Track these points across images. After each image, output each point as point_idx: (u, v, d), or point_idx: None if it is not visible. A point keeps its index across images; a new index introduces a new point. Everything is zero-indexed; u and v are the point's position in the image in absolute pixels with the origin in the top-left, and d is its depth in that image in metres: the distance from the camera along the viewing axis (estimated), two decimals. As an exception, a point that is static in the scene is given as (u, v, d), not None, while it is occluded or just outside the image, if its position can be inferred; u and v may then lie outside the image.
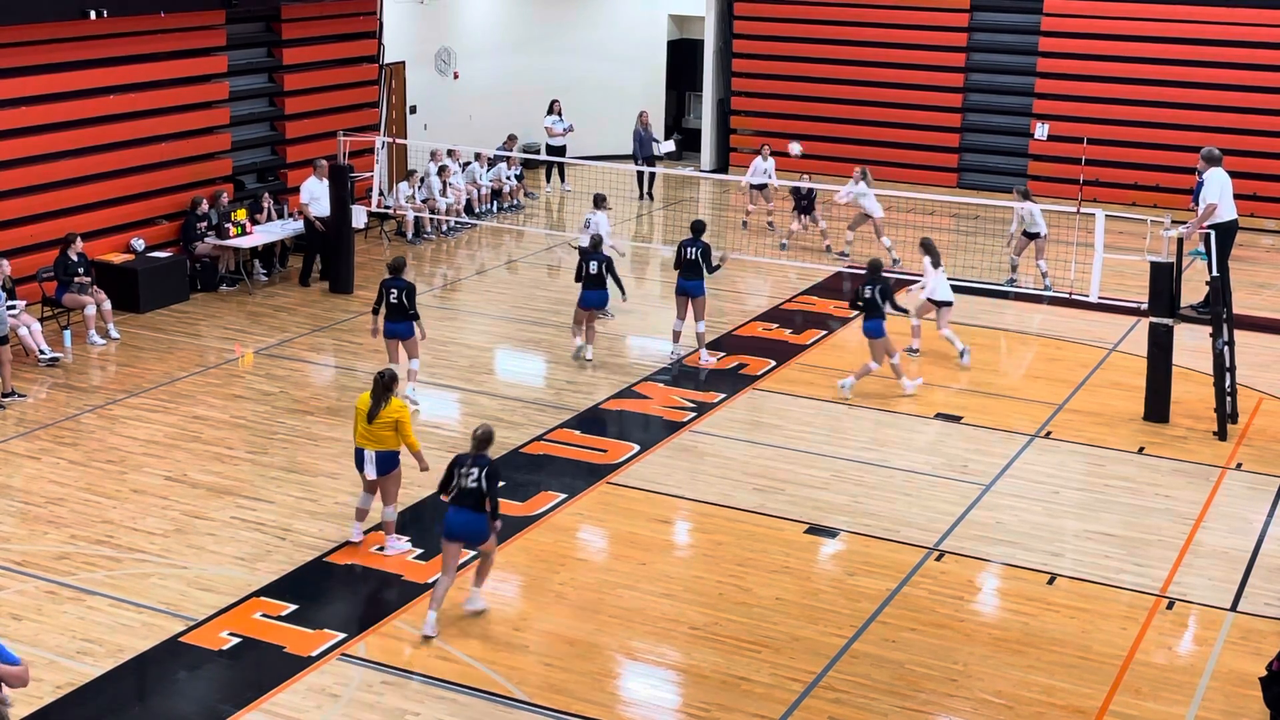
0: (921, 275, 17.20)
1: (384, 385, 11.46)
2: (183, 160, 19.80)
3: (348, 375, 16.25)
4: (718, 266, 16.69)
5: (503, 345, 17.66)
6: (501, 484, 11.17)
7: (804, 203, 21.89)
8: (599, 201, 18.59)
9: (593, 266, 16.29)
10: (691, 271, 16.55)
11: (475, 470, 10.42)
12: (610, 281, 16.41)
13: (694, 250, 16.51)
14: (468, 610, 10.83)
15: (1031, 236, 19.56)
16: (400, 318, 14.86)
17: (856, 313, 16.03)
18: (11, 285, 16.27)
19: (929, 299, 16.74)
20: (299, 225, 20.06)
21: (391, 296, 14.84)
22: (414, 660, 10.27)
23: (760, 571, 11.68)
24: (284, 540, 12.03)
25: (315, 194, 19.62)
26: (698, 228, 16.70)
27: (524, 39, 27.85)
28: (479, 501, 10.41)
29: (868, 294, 15.42)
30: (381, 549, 11.89)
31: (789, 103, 27.32)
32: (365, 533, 12.06)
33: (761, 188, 23.35)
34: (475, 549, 10.85)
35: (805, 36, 27.23)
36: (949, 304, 16.68)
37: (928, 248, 16.84)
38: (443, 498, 10.69)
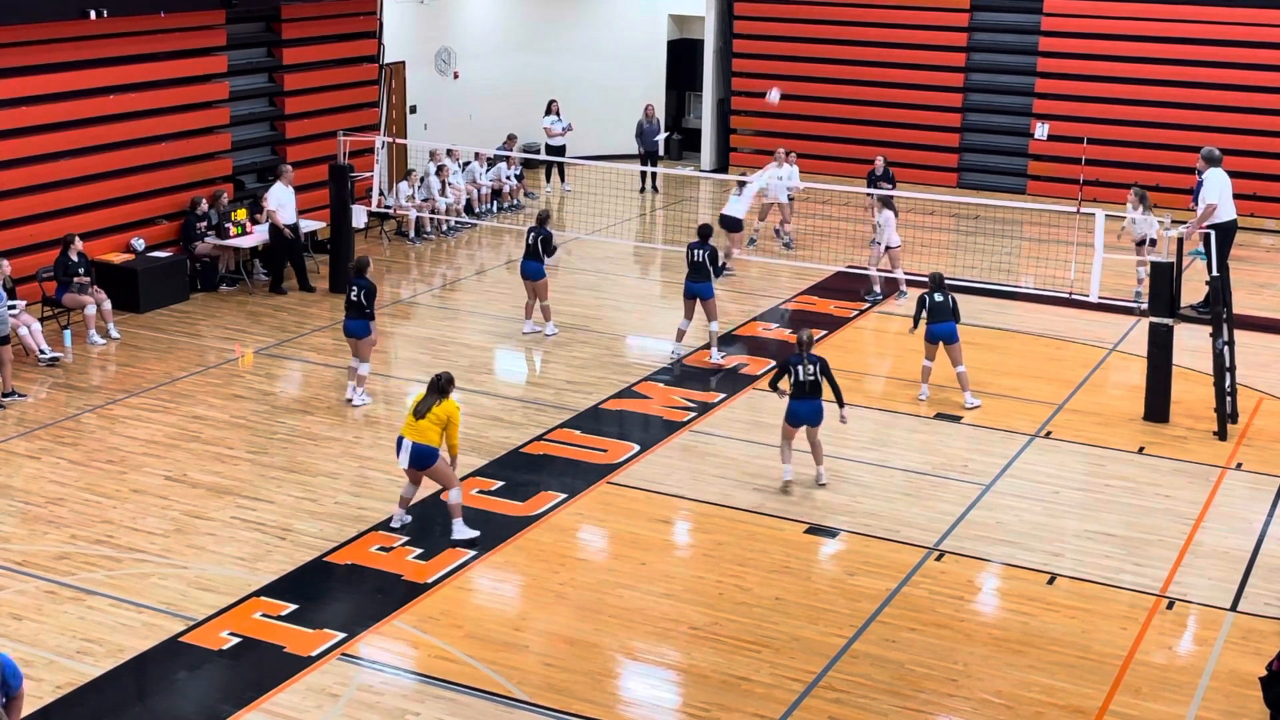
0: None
1: (438, 387, 11.85)
2: (183, 160, 19.80)
3: (347, 375, 16.24)
4: (723, 268, 16.72)
5: (503, 345, 17.66)
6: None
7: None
8: (544, 219, 17.70)
9: (530, 237, 17.31)
10: (699, 274, 16.55)
11: (811, 366, 12.84)
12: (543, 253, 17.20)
13: (701, 253, 16.50)
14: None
15: (1140, 243, 19.36)
16: (355, 315, 14.97)
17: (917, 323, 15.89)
18: (11, 285, 16.27)
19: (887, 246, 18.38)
20: (312, 224, 20.01)
21: (352, 294, 14.97)
22: (414, 660, 10.27)
23: (760, 571, 11.69)
24: (284, 540, 12.04)
25: (282, 200, 19.37)
26: (704, 231, 16.69)
27: (524, 39, 27.85)
28: (818, 390, 12.82)
29: (939, 299, 15.36)
30: (383, 548, 11.91)
31: (789, 102, 27.26)
32: (404, 523, 12.26)
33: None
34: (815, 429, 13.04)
35: (805, 36, 27.24)
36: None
37: (886, 203, 18.59)
38: (779, 387, 13.07)
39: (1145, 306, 15.89)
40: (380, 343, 17.38)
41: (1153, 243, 19.01)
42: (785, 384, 13.12)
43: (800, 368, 12.92)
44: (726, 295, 19.84)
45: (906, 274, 19.26)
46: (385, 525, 12.31)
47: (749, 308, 19.12)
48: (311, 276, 19.97)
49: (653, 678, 10.18)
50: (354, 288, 14.99)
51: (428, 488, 12.46)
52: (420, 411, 11.78)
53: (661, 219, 24.76)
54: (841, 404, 13.27)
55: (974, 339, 17.42)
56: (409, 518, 12.32)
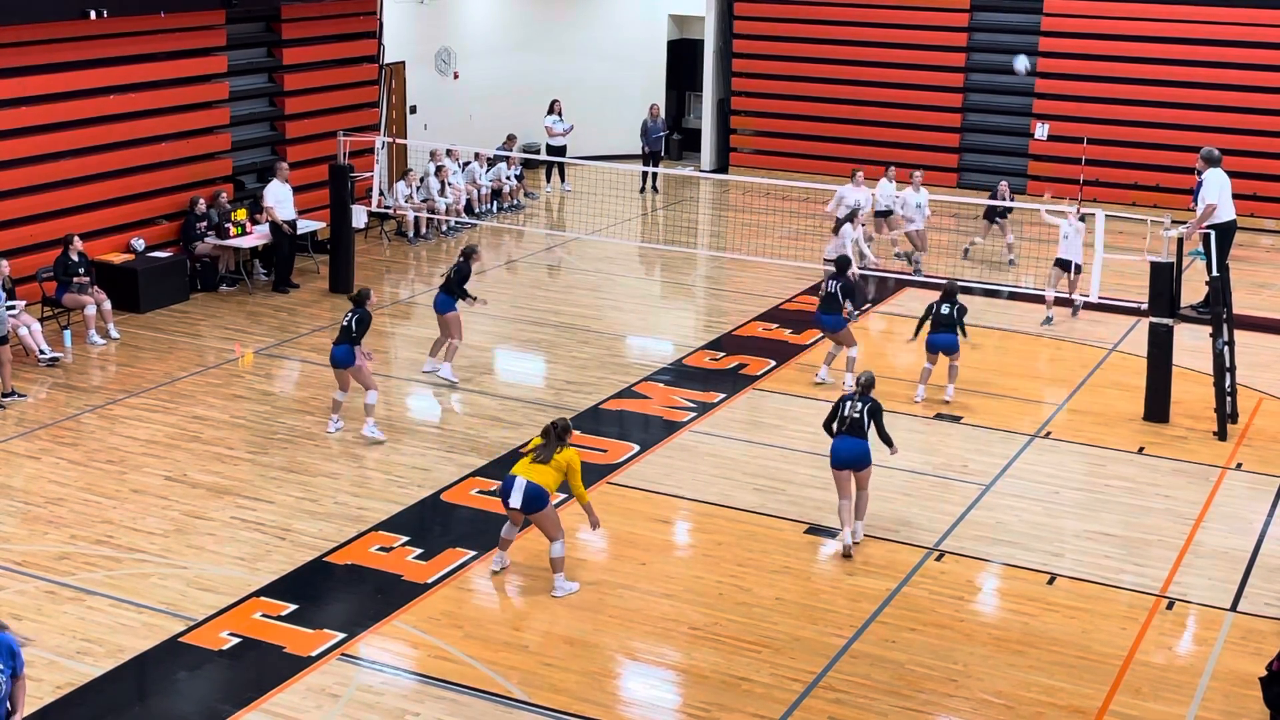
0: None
1: (556, 434, 11.14)
2: (183, 160, 19.80)
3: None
4: (852, 314, 16.22)
5: (503, 345, 17.66)
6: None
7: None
8: (467, 254, 16.50)
9: (450, 271, 16.01)
10: (829, 305, 15.72)
11: (860, 405, 12.11)
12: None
13: (835, 284, 15.73)
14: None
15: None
16: (343, 340, 14.16)
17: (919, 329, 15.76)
18: (11, 285, 16.27)
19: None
20: (305, 224, 20.04)
21: (345, 319, 14.25)
22: (414, 660, 10.27)
23: (760, 571, 11.68)
24: (284, 540, 12.04)
25: (279, 197, 19.47)
26: (842, 264, 16.09)
27: (524, 39, 27.85)
28: (861, 430, 12.04)
29: (945, 311, 15.42)
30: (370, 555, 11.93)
31: (789, 103, 27.33)
32: (504, 566, 11.60)
33: (887, 214, 21.26)
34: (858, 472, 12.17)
35: (805, 36, 27.23)
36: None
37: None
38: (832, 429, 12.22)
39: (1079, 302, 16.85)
40: (380, 343, 17.39)
41: (1077, 268, 18.45)
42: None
43: (848, 403, 12.11)
44: (726, 295, 19.86)
45: (905, 273, 19.20)
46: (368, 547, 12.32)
47: (749, 308, 19.11)
48: (311, 276, 19.98)
49: (653, 678, 10.18)
50: (350, 315, 14.23)
51: (429, 488, 12.46)
52: (539, 459, 11.08)
53: (662, 219, 24.76)
54: (891, 449, 12.36)
55: (974, 339, 17.41)
56: (509, 560, 11.64)
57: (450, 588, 11.32)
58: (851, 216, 18.68)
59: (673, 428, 14.79)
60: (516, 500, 11.01)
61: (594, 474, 13.53)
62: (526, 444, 11.52)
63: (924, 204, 20.54)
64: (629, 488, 13.30)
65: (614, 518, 12.68)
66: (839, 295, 15.67)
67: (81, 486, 13.03)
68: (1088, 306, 16.44)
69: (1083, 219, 18.36)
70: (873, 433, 12.12)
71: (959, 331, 15.47)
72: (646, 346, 17.67)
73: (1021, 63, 20.39)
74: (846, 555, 11.98)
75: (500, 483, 11.44)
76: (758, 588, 11.41)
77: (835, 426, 12.12)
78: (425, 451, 14.02)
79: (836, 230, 18.51)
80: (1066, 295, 18.48)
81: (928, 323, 15.61)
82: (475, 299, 16.00)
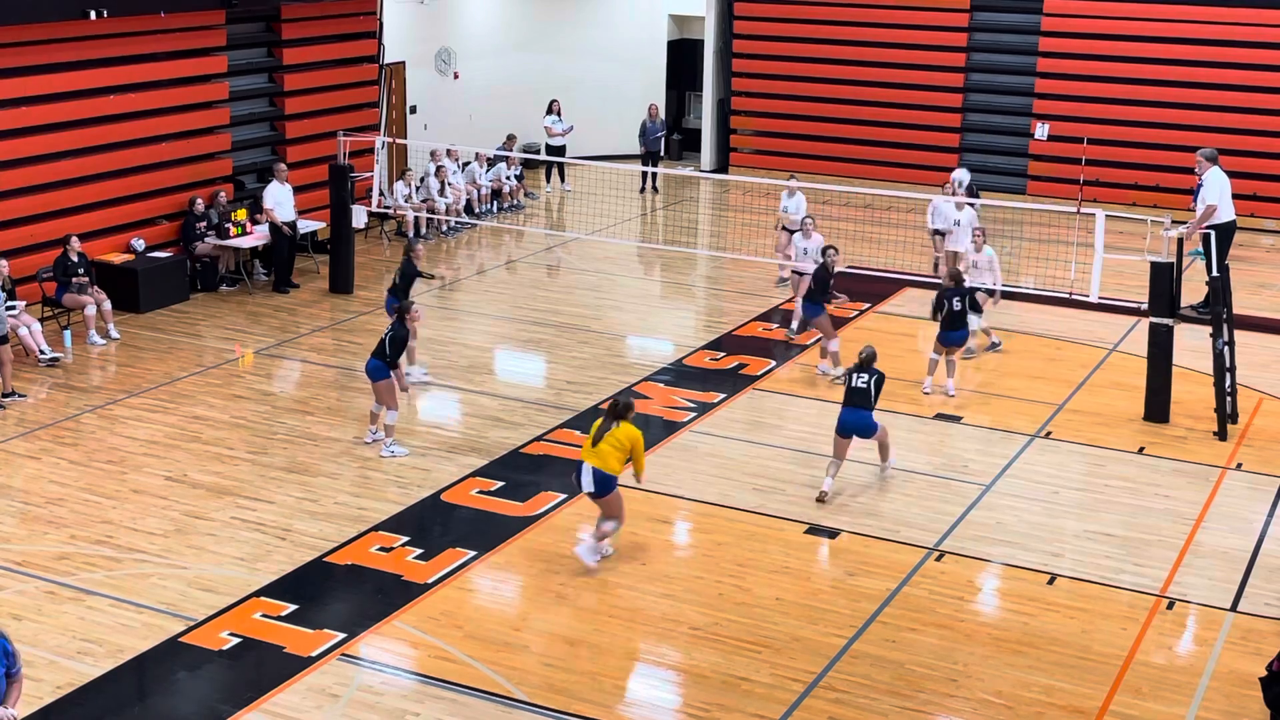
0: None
1: (616, 412, 11.58)
2: (183, 160, 19.80)
3: (348, 375, 16.25)
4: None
5: (503, 345, 17.66)
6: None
7: None
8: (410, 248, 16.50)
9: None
10: (955, 322, 15.69)
11: (866, 376, 13.00)
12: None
13: (960, 301, 15.72)
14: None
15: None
16: (377, 355, 13.79)
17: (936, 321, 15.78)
18: (11, 285, 16.28)
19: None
20: (306, 224, 20.07)
21: (385, 333, 13.92)
22: (414, 660, 10.27)
23: (760, 571, 11.68)
24: (284, 540, 12.04)
25: (279, 199, 19.51)
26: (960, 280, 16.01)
27: (524, 39, 27.85)
28: (868, 400, 12.95)
29: (957, 306, 15.54)
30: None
31: (789, 103, 27.33)
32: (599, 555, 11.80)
33: (941, 234, 19.99)
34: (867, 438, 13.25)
35: (805, 36, 27.23)
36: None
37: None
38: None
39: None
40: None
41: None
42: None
43: (855, 375, 13.12)
44: (725, 295, 19.85)
45: (913, 274, 19.19)
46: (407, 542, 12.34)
47: (749, 308, 19.11)
48: (312, 276, 19.98)
49: (653, 678, 10.18)
50: (389, 330, 13.86)
51: (429, 488, 12.47)
52: (597, 437, 11.51)
53: (662, 219, 24.76)
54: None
55: (979, 340, 17.40)
56: (610, 549, 11.91)
57: (450, 588, 11.32)
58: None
59: (673, 428, 14.79)
60: (587, 486, 11.63)
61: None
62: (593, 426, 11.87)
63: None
64: (629, 488, 13.28)
65: (614, 518, 12.68)
66: (814, 284, 16.15)
67: (81, 486, 13.03)
68: (1088, 306, 16.40)
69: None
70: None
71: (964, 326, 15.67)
72: (646, 346, 17.66)
73: None
74: (820, 499, 12.98)
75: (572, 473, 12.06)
76: (758, 588, 11.41)
77: (844, 398, 13.16)
78: (425, 451, 14.02)
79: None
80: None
81: (941, 313, 15.65)
82: (433, 275, 15.98)
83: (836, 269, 16.27)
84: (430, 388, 15.83)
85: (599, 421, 11.69)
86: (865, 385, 13.00)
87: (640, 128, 26.58)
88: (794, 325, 17.69)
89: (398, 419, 13.98)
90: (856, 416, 13.01)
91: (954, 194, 19.46)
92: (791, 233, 19.17)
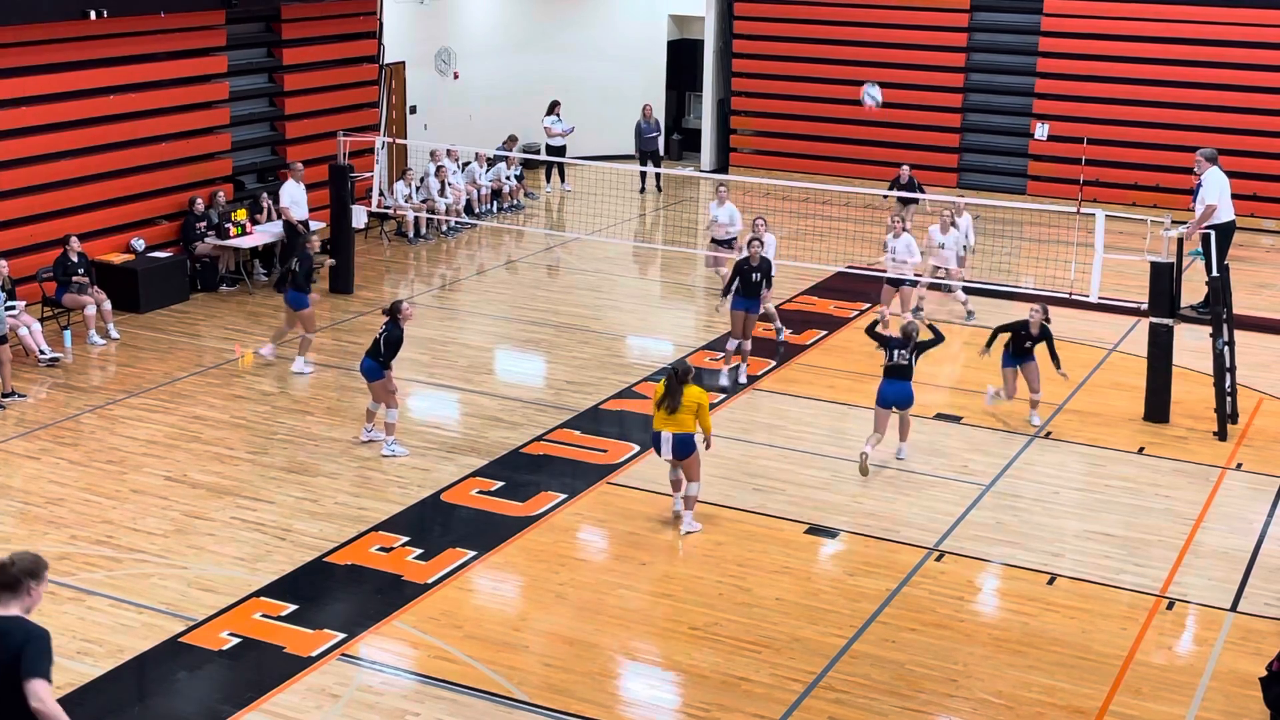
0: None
1: (680, 378, 12.13)
2: (183, 160, 19.80)
3: (348, 375, 16.24)
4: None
5: (503, 345, 17.66)
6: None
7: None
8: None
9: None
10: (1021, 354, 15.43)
11: (907, 353, 13.62)
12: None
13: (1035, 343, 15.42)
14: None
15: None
16: (371, 353, 13.83)
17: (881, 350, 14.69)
18: (11, 285, 16.28)
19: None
20: (278, 229, 20.06)
21: (379, 332, 13.89)
22: (414, 660, 10.27)
23: (760, 571, 11.68)
24: (284, 540, 12.04)
25: (295, 198, 19.58)
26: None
27: (524, 39, 27.85)
28: (908, 373, 13.60)
29: (903, 359, 13.79)
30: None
31: (789, 103, 27.33)
32: (679, 509, 12.61)
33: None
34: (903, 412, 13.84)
35: (805, 36, 27.24)
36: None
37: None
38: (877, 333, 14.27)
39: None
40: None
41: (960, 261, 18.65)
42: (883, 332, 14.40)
43: (897, 350, 13.67)
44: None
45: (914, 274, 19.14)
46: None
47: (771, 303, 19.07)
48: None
49: (653, 678, 10.18)
50: (381, 331, 13.83)
51: (429, 488, 12.45)
52: (672, 407, 12.10)
53: (662, 219, 24.76)
54: (937, 337, 14.14)
55: (975, 339, 17.41)
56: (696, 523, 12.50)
57: (450, 588, 11.32)
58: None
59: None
60: (667, 453, 12.27)
61: (594, 474, 13.55)
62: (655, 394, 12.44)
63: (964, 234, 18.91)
64: (629, 488, 13.30)
65: (614, 518, 12.68)
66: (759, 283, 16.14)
67: (81, 486, 13.02)
68: (1088, 306, 16.40)
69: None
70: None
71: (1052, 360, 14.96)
72: (646, 346, 17.66)
73: (870, 94, 19.90)
74: (862, 470, 13.43)
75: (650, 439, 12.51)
76: (758, 588, 11.41)
77: (884, 371, 13.76)
78: (425, 451, 14.02)
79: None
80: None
81: (1003, 339, 14.95)
82: (325, 263, 16.35)
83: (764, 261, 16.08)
84: (429, 388, 15.83)
85: (661, 390, 12.23)
86: (907, 362, 13.61)
87: (635, 128, 26.56)
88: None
89: (398, 417, 13.97)
90: (897, 389, 13.64)
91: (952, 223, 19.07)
92: (720, 243, 19.14)
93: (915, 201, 22.35)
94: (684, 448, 12.23)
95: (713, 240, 19.55)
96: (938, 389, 15.99)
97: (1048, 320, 15.10)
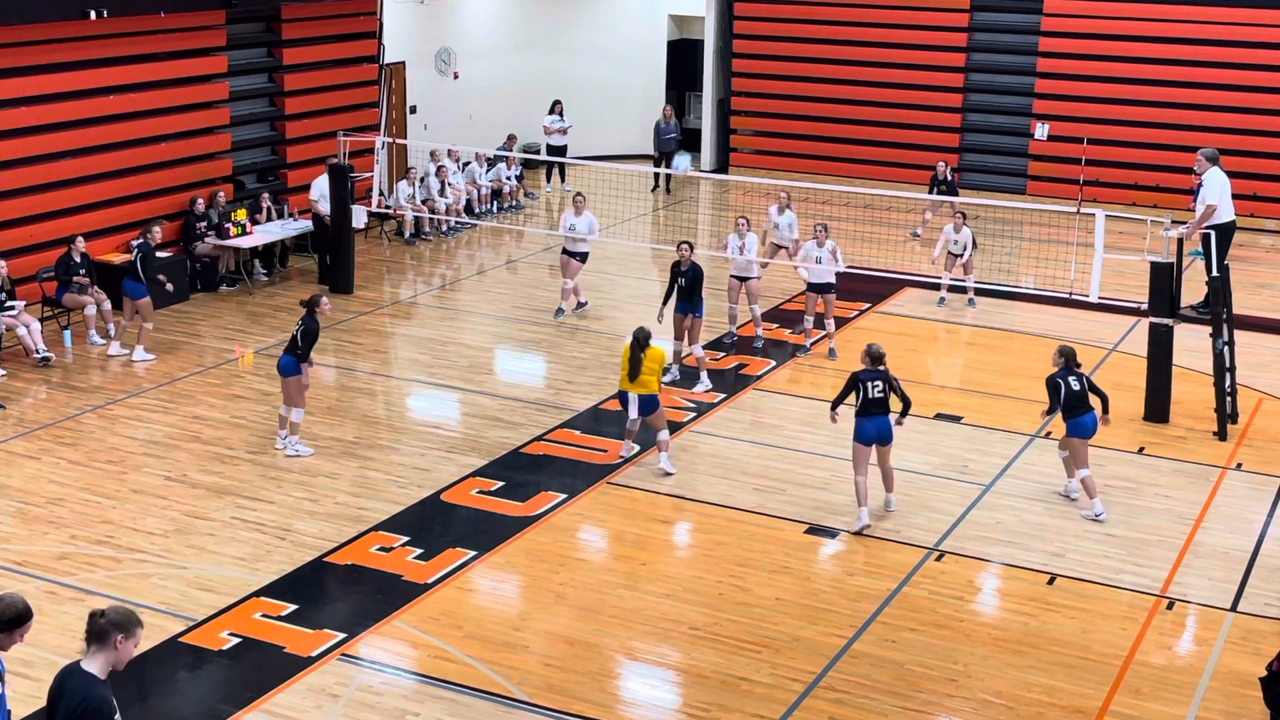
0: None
1: (640, 343, 13.26)
2: (183, 160, 19.81)
3: (348, 375, 16.25)
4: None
5: (503, 345, 17.66)
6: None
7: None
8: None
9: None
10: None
11: (879, 382, 12.36)
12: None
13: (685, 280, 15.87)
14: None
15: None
16: (289, 352, 13.75)
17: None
18: (11, 285, 16.28)
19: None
20: (303, 224, 20.15)
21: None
22: (414, 660, 10.27)
23: (760, 571, 11.68)
24: (284, 540, 12.04)
25: (324, 191, 19.68)
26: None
27: (524, 39, 27.85)
28: (886, 407, 12.41)
29: (878, 392, 12.45)
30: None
31: (789, 103, 27.33)
32: (634, 453, 13.84)
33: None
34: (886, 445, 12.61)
35: (805, 36, 27.24)
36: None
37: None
38: (834, 414, 12.82)
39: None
40: (380, 343, 17.41)
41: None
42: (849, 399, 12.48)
43: (870, 383, 12.27)
44: (725, 295, 19.81)
45: (913, 274, 19.19)
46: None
47: (748, 307, 19.06)
48: (312, 276, 20.00)
49: (653, 678, 10.18)
50: (300, 324, 13.72)
51: (429, 488, 12.44)
52: (634, 370, 13.24)
53: (662, 219, 24.75)
54: (904, 415, 12.58)
55: (975, 339, 17.42)
56: (636, 447, 13.92)
57: (450, 588, 11.32)
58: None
59: (673, 428, 14.77)
60: (634, 412, 13.50)
61: (594, 474, 13.55)
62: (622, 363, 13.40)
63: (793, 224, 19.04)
64: (629, 488, 13.30)
65: (614, 518, 12.68)
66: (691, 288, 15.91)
67: (81, 486, 13.02)
68: (1088, 306, 16.40)
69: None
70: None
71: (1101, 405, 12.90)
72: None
73: (680, 162, 19.86)
74: (858, 535, 12.33)
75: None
76: (758, 588, 11.41)
77: (860, 408, 12.33)
78: (425, 451, 14.03)
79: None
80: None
81: (1060, 402, 12.74)
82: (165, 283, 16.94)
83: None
84: (429, 388, 15.83)
85: (627, 355, 13.31)
86: (883, 393, 12.28)
87: (654, 128, 26.56)
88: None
89: (303, 417, 13.96)
90: (880, 423, 12.34)
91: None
92: (779, 247, 19.00)
93: (954, 197, 22.28)
94: (649, 405, 13.43)
95: (774, 245, 19.19)
96: (937, 389, 15.98)
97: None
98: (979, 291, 19.06)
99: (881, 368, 12.42)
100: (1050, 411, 12.85)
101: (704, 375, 15.98)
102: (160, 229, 17.33)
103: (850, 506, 12.93)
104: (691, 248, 16.07)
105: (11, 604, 6.61)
